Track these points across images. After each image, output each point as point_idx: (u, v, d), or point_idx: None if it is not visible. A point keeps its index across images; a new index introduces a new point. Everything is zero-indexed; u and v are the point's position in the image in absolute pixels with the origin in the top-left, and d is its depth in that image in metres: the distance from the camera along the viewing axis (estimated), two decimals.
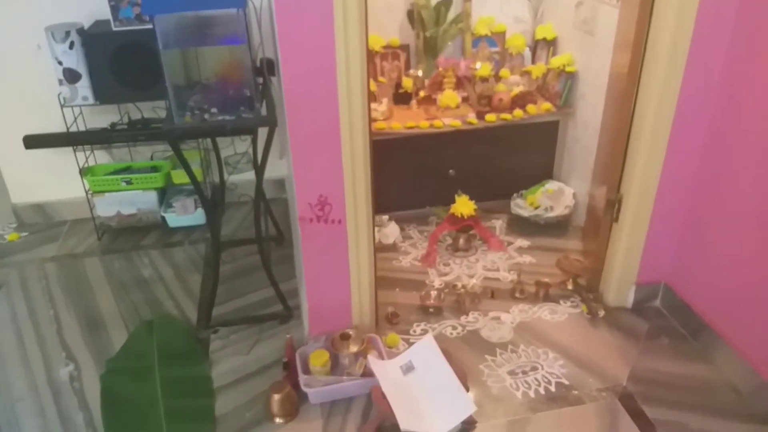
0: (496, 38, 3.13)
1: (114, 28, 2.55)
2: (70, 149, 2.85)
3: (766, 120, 1.84)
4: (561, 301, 2.44)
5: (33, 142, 2.76)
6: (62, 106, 2.67)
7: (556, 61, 2.92)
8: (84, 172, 2.89)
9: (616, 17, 2.38)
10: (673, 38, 1.96)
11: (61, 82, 2.62)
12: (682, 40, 1.97)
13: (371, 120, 1.97)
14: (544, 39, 3.04)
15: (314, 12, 1.72)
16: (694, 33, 1.94)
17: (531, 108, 2.91)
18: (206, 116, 2.00)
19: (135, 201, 2.94)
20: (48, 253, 2.89)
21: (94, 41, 2.57)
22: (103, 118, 2.89)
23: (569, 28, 2.90)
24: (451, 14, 3.04)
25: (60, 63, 2.57)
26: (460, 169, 2.96)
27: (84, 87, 2.63)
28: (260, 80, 2.24)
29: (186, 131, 2.07)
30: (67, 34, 2.53)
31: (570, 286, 2.49)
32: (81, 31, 2.57)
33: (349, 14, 1.74)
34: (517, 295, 2.47)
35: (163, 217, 3.01)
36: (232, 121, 2.00)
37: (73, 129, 2.80)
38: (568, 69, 2.85)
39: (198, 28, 1.95)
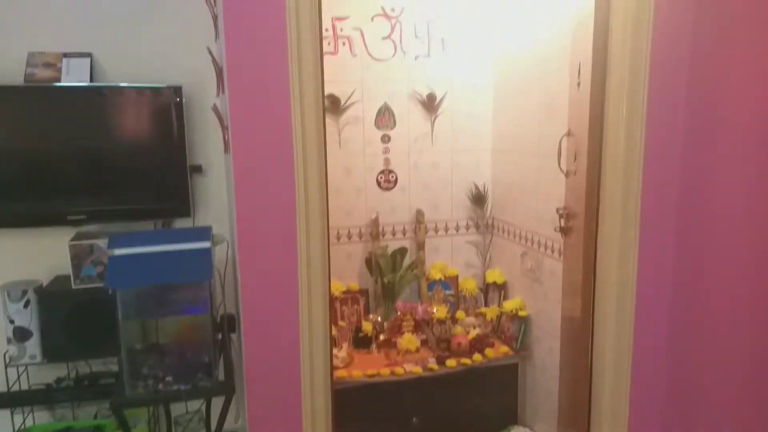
0: (450, 282, 3.28)
1: (74, 286, 2.56)
2: (6, 408, 2.64)
3: (722, 350, 1.90)
4: None
5: None
6: (6, 366, 2.55)
7: (508, 305, 3.04)
8: None
9: (561, 267, 2.57)
10: (620, 286, 2.11)
11: (9, 341, 2.53)
12: (629, 286, 2.11)
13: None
14: (495, 282, 3.21)
15: (278, 268, 1.79)
16: (638, 277, 2.10)
17: (489, 351, 2.94)
18: (160, 386, 1.93)
19: None
20: None
21: (51, 299, 2.55)
22: (48, 373, 2.75)
23: (517, 274, 3.08)
24: (407, 261, 3.21)
25: (11, 322, 2.51)
26: (424, 416, 2.87)
27: (33, 345, 2.54)
28: (219, 336, 2.22)
29: (136, 402, 1.97)
30: (24, 292, 2.52)
31: None
32: (39, 289, 2.57)
33: (312, 269, 1.82)
34: None
35: None
36: (188, 391, 1.94)
37: (15, 387, 2.63)
38: (520, 313, 2.97)
39: (161, 298, 1.98)
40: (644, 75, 2.02)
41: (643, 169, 2.07)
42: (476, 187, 3.24)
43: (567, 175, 2.40)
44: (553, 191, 2.55)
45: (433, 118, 3.15)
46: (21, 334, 2.53)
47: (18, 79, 2.59)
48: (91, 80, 2.65)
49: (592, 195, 2.16)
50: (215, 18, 2.19)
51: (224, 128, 1.92)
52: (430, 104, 3.13)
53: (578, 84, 2.18)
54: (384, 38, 3.03)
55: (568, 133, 2.38)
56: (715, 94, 1.94)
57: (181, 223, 2.89)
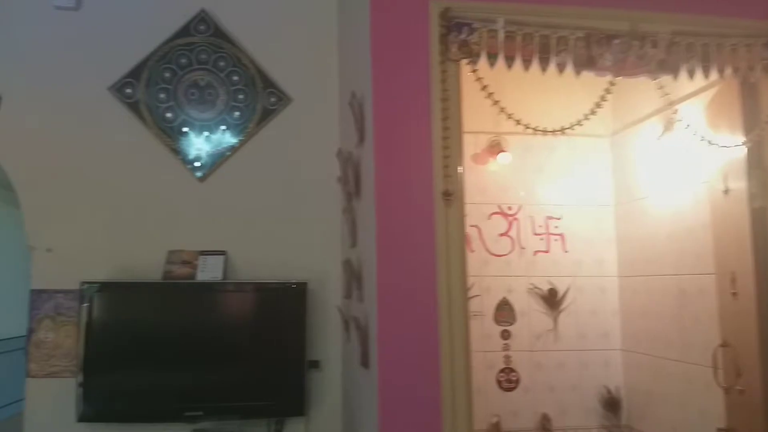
0: None
1: None
2: None
3: None
4: None
5: None
6: None
7: None
8: None
9: None
10: None
11: None
12: None
13: None
14: None
15: None
16: None
17: None
18: None
19: None
20: None
21: None
22: None
23: None
24: None
25: None
26: None
27: None
28: None
29: None
30: None
31: None
32: None
33: None
34: None
35: None
36: None
37: None
38: None
39: None
40: None
41: None
42: (608, 391, 2.95)
43: (728, 391, 2.13)
44: (709, 407, 2.25)
45: (555, 314, 3.00)
46: None
47: (157, 275, 2.75)
48: (224, 276, 2.76)
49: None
50: (353, 222, 2.26)
51: (363, 337, 1.86)
52: (551, 299, 3.00)
53: (733, 294, 2.01)
54: (501, 235, 3.04)
55: (724, 344, 2.14)
56: None
57: (294, 422, 2.77)
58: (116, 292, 2.68)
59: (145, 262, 2.76)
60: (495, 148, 3.01)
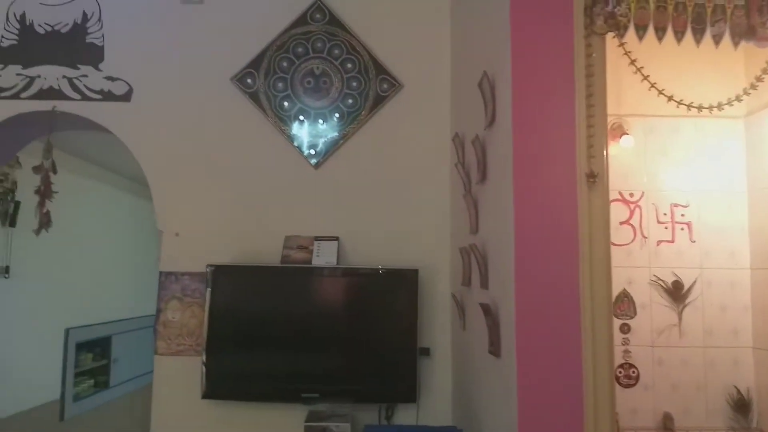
0: None
1: None
2: None
3: None
4: None
5: None
6: None
7: None
8: None
9: None
10: None
11: None
12: None
13: None
14: None
15: None
16: None
17: None
18: None
19: None
20: None
21: None
22: None
23: None
24: None
25: None
26: None
27: None
28: None
29: None
30: None
31: None
32: None
33: None
34: None
35: None
36: None
37: None
38: None
39: None
40: None
41: None
42: (738, 392, 2.75)
43: None
44: None
45: (680, 309, 2.83)
46: None
47: (275, 259, 2.83)
48: (338, 261, 2.81)
49: None
50: (474, 208, 2.22)
51: (492, 325, 1.82)
52: (676, 293, 2.83)
53: None
54: (622, 223, 2.89)
55: None
56: None
57: (404, 409, 2.78)
58: (238, 275, 2.79)
59: (264, 247, 2.86)
60: (617, 130, 2.86)
